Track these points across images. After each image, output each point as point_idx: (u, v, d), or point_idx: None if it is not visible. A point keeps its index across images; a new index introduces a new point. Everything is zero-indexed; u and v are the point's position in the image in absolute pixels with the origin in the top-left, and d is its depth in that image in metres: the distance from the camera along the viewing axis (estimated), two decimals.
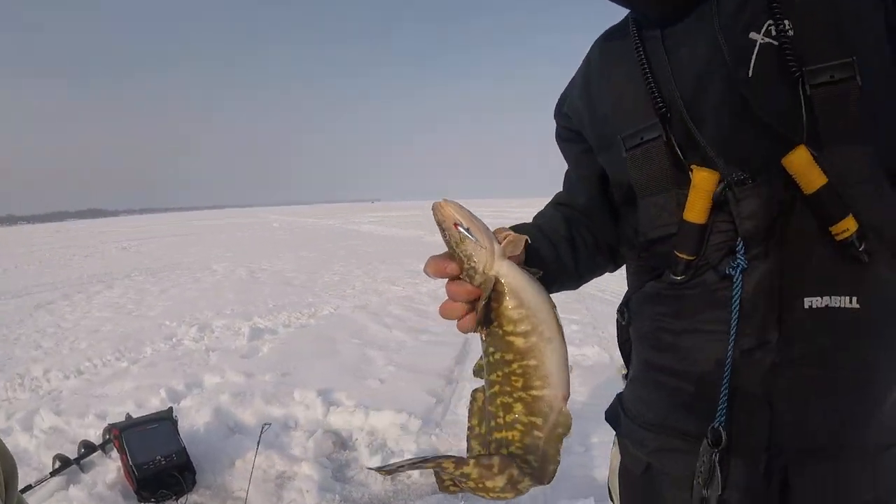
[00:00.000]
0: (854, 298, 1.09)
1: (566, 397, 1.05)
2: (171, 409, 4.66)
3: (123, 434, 4.19)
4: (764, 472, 1.19)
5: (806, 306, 1.11)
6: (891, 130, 1.10)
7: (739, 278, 1.13)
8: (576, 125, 1.48)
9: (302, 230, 37.03)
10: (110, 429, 4.37)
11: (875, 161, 1.08)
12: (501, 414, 1.06)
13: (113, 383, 6.48)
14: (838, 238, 1.05)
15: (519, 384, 1.04)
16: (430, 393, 5.64)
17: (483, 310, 1.02)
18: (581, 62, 1.51)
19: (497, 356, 1.05)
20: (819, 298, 1.10)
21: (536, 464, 1.06)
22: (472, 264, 1.02)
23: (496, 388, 1.06)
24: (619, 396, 1.53)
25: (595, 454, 4.38)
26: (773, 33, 1.11)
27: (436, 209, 1.03)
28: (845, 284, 1.09)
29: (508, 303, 1.02)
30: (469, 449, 1.12)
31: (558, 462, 1.07)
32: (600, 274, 1.54)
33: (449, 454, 1.08)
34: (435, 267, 1.05)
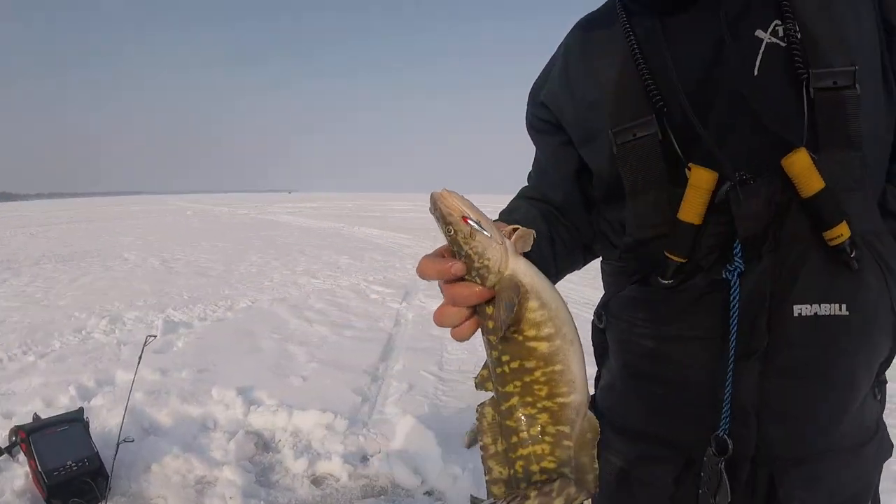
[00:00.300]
0: (844, 306, 1.08)
1: (590, 401, 0.96)
2: (81, 409, 4.39)
3: (31, 437, 3.90)
4: (747, 480, 1.17)
5: (795, 314, 1.08)
6: (875, 140, 1.11)
7: (737, 282, 1.10)
8: (554, 116, 1.38)
9: (217, 219, 36.19)
10: (17, 430, 4.06)
11: (864, 169, 1.08)
12: (525, 427, 0.95)
13: (20, 379, 6.08)
14: (832, 244, 1.04)
15: (543, 392, 0.93)
16: (356, 391, 5.48)
17: (509, 314, 0.88)
18: (557, 49, 1.42)
19: (514, 365, 0.93)
20: (808, 306, 1.08)
21: (573, 476, 0.96)
22: (486, 263, 0.88)
23: (514, 400, 0.95)
24: (592, 401, 1.44)
25: None
26: (780, 34, 1.10)
27: (437, 200, 0.89)
28: (836, 292, 1.08)
29: (530, 304, 0.90)
30: (488, 470, 0.99)
31: (596, 470, 0.97)
32: (572, 272, 1.45)
33: (511, 495, 0.94)
34: (436, 268, 0.90)
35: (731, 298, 1.10)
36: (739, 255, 1.08)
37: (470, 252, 0.88)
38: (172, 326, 8.14)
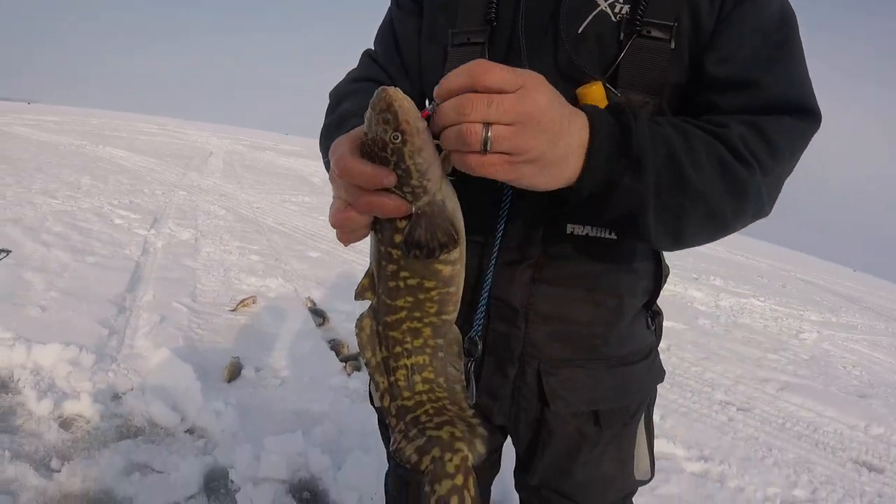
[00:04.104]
0: (612, 231, 1.16)
1: None
2: None
3: None
4: (516, 376, 1.27)
5: (568, 231, 1.17)
6: (675, 89, 1.16)
7: (509, 194, 1.17)
8: None
9: None
10: None
11: (656, 113, 1.12)
12: (409, 339, 0.98)
13: None
14: None
15: (433, 310, 0.95)
16: (102, 323, 4.89)
17: (449, 244, 0.88)
18: None
19: (412, 282, 0.92)
20: (581, 227, 1.17)
21: (446, 391, 1.02)
22: (425, 183, 0.84)
23: (402, 314, 0.96)
24: None
25: (290, 387, 4.19)
26: (616, 9, 1.13)
27: (392, 100, 0.79)
28: None
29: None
30: (376, 385, 1.02)
31: (463, 381, 1.04)
32: None
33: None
34: (367, 174, 0.83)
35: (502, 208, 1.17)
36: None
37: (411, 167, 0.82)
38: None
